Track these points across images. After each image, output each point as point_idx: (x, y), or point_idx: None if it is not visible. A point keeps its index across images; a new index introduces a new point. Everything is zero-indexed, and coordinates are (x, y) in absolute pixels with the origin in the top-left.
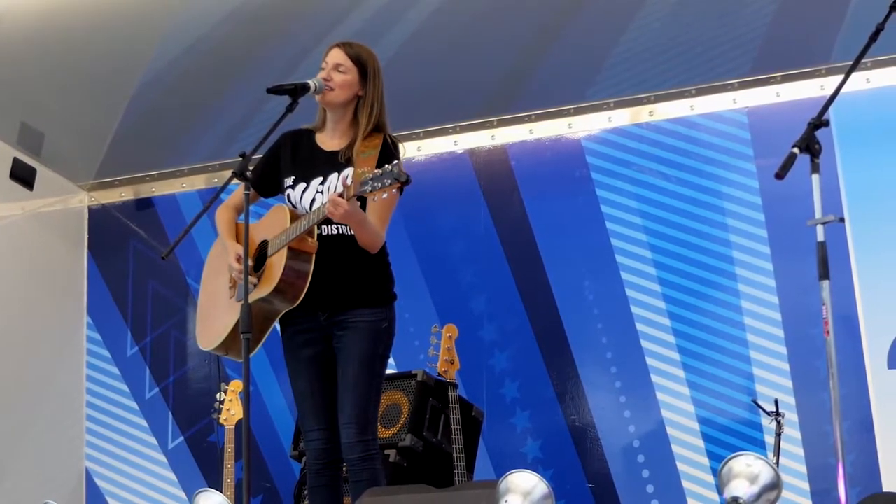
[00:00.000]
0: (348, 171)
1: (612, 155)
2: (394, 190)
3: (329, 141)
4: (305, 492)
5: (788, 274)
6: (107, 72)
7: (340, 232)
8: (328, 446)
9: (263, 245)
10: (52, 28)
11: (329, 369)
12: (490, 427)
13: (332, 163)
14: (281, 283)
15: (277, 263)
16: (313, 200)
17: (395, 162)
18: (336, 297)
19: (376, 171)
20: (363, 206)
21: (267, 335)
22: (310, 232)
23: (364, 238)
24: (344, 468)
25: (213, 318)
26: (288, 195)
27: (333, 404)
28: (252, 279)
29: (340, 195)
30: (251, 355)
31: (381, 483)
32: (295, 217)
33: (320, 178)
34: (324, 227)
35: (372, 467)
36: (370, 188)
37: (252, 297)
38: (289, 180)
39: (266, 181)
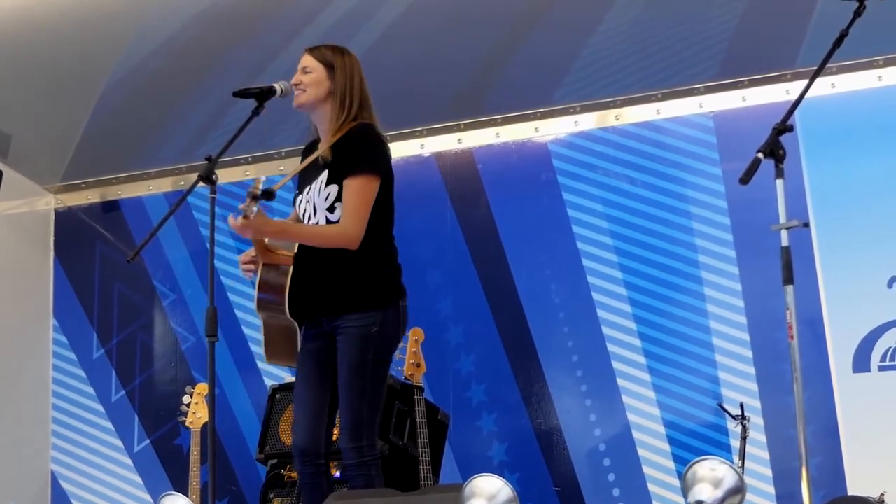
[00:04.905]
0: (323, 176)
1: (579, 159)
2: (254, 207)
3: (323, 146)
4: (271, 495)
5: (754, 278)
6: (74, 74)
7: None
8: (307, 445)
9: None
10: (19, 30)
11: (327, 366)
12: (456, 430)
13: (317, 170)
14: (259, 298)
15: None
16: (305, 210)
17: (260, 178)
18: (326, 304)
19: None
20: (340, 197)
21: (297, 340)
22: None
23: (310, 243)
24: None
25: None
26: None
27: (320, 400)
28: None
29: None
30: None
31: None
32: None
33: (309, 188)
34: None
35: (367, 473)
36: (244, 209)
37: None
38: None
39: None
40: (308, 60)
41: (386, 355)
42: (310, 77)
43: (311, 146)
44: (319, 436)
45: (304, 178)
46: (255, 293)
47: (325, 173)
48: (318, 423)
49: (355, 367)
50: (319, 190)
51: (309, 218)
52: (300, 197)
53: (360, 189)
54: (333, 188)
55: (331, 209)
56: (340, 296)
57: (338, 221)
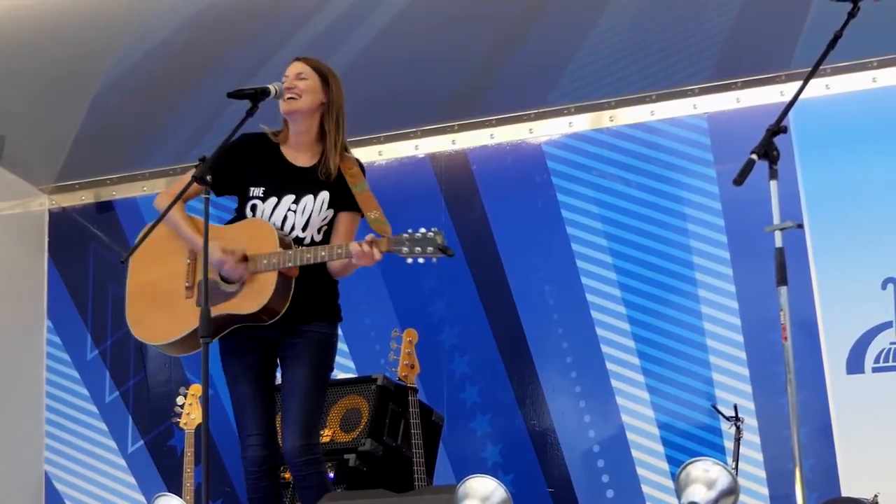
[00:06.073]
0: (325, 196)
1: (573, 160)
2: (434, 259)
3: (297, 155)
4: (249, 495)
5: (748, 279)
6: (68, 75)
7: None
8: (267, 452)
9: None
10: (14, 30)
11: (268, 376)
12: (450, 431)
13: (305, 182)
14: (266, 307)
15: (265, 284)
16: (285, 219)
17: (436, 231)
18: (295, 311)
19: (415, 234)
20: (336, 215)
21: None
22: None
23: (348, 274)
24: (284, 473)
25: (163, 313)
26: (254, 206)
27: (271, 410)
28: (229, 288)
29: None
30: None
31: (329, 487)
32: (285, 244)
33: (293, 197)
34: (297, 246)
35: (318, 471)
36: (407, 250)
37: (225, 310)
38: (257, 191)
39: (225, 182)
40: (302, 67)
41: (333, 364)
42: (306, 84)
43: (265, 144)
44: (277, 445)
45: (280, 183)
46: (265, 297)
47: (328, 195)
48: (275, 434)
49: (315, 369)
50: (320, 209)
51: (292, 228)
52: (277, 202)
53: (357, 224)
54: (331, 212)
55: (319, 230)
56: (313, 303)
57: (322, 241)
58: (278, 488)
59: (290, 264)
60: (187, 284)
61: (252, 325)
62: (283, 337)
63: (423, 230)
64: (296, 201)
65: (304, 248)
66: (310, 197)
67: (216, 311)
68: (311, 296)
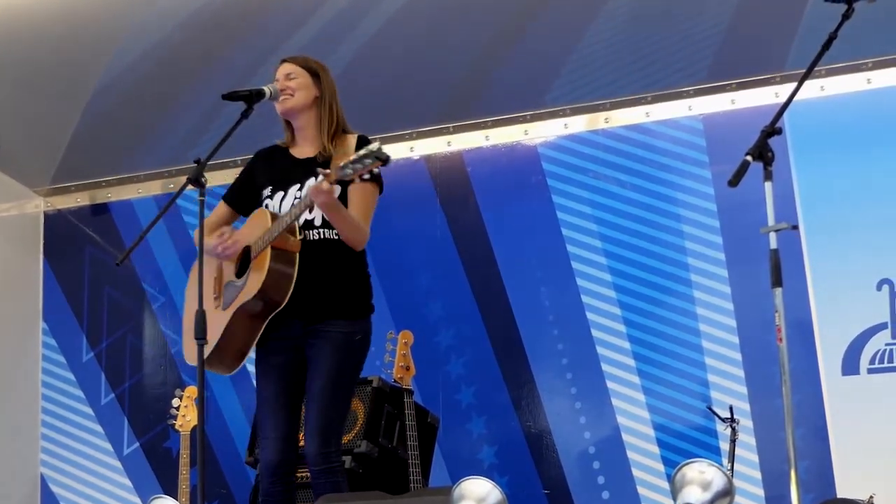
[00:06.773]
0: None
1: (568, 161)
2: (376, 169)
3: (303, 150)
4: (261, 498)
5: (744, 280)
6: (63, 77)
7: (324, 237)
8: (282, 457)
9: (247, 251)
10: (8, 33)
11: (296, 378)
12: (446, 433)
13: (307, 169)
14: (265, 284)
15: (261, 265)
16: (293, 207)
17: (377, 145)
18: (314, 306)
19: (359, 153)
20: (344, 203)
21: (253, 346)
22: (292, 231)
23: (348, 230)
24: (300, 476)
25: None
26: (266, 205)
27: (294, 414)
28: (241, 282)
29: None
30: (234, 371)
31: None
32: (276, 218)
33: (297, 186)
34: (308, 231)
35: (334, 480)
36: (351, 170)
37: (238, 302)
38: (266, 191)
39: (245, 199)
40: (290, 67)
41: (362, 365)
42: (296, 82)
43: (274, 151)
44: (295, 451)
45: (284, 176)
46: (262, 277)
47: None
48: (293, 438)
49: (336, 372)
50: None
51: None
52: (284, 195)
53: (370, 195)
54: (337, 189)
55: None
56: (334, 299)
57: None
58: (292, 492)
59: (276, 232)
60: (215, 296)
61: (279, 324)
62: (307, 337)
63: (365, 148)
64: (300, 188)
65: (284, 215)
66: (312, 181)
67: (232, 307)
68: (329, 292)
